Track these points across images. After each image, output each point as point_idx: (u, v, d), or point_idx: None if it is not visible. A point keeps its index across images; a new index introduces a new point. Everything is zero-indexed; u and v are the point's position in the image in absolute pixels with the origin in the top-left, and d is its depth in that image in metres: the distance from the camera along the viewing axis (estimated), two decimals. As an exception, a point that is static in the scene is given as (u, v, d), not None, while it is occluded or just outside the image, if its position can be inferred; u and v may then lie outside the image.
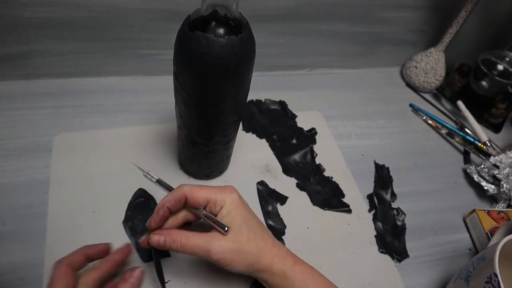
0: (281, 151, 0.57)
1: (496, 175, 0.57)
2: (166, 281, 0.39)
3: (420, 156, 0.62)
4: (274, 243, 0.38)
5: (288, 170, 0.55)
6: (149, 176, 0.47)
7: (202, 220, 0.37)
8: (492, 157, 0.61)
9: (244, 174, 0.53)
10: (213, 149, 0.45)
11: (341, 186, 0.54)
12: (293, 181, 0.54)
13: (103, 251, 0.36)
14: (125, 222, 0.44)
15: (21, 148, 0.49)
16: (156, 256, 0.39)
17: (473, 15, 0.67)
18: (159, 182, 0.46)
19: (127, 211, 0.45)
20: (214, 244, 0.34)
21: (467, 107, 0.69)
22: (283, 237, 0.47)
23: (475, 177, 0.59)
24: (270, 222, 0.48)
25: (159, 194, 0.47)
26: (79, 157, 0.49)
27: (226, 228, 0.35)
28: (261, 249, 0.36)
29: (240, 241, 0.35)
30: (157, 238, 0.35)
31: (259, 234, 0.36)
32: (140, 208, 0.45)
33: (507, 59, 0.70)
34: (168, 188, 0.47)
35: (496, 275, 0.35)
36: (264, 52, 0.64)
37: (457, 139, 0.66)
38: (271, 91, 0.65)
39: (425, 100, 0.73)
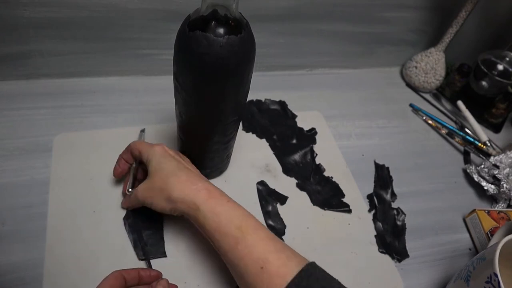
0: (281, 151, 0.57)
1: (496, 175, 0.57)
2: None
3: (420, 156, 0.62)
4: (189, 178, 0.40)
5: (288, 170, 0.55)
6: (139, 134, 0.52)
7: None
8: (492, 157, 0.61)
9: (244, 174, 0.53)
10: (213, 149, 0.45)
11: (341, 186, 0.54)
12: (293, 181, 0.54)
13: (153, 276, 0.39)
14: (126, 218, 0.44)
15: (21, 148, 0.49)
16: (147, 257, 0.42)
17: (473, 15, 0.67)
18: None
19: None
20: (138, 188, 0.42)
21: (467, 107, 0.69)
22: (283, 237, 0.47)
23: (475, 177, 0.59)
24: (270, 222, 0.48)
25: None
26: (79, 157, 0.49)
27: (129, 190, 0.44)
28: (171, 183, 0.39)
29: (153, 181, 0.40)
30: (122, 206, 0.45)
31: (172, 172, 0.40)
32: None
33: (507, 59, 0.70)
34: None
35: (496, 275, 0.35)
36: (264, 52, 0.64)
37: (457, 139, 0.66)
38: (271, 91, 0.65)
39: (425, 100, 0.73)
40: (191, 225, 0.42)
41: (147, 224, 0.44)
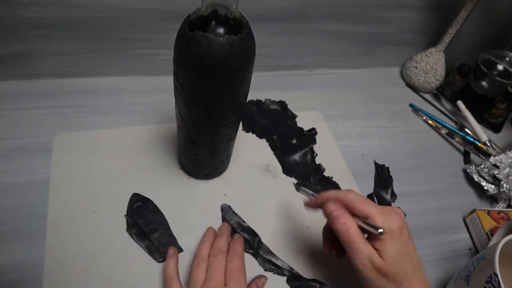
0: (281, 151, 0.57)
1: (496, 175, 0.57)
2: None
3: (420, 156, 0.62)
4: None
5: (288, 170, 0.55)
6: (304, 192, 0.42)
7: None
8: (492, 157, 0.61)
9: (244, 174, 0.53)
10: (213, 149, 0.45)
11: (341, 186, 0.54)
12: (293, 181, 0.54)
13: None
14: (129, 229, 0.44)
15: (21, 148, 0.49)
16: (164, 257, 0.42)
17: (473, 15, 0.67)
18: (313, 196, 0.41)
19: (127, 217, 0.45)
20: (362, 255, 0.34)
21: (467, 107, 0.69)
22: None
23: (475, 177, 0.59)
24: (270, 222, 0.48)
25: (154, 195, 0.47)
26: (79, 157, 0.49)
27: (381, 230, 0.34)
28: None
29: (387, 272, 0.34)
30: (331, 209, 0.36)
31: (409, 273, 0.34)
32: (140, 212, 0.45)
33: (507, 59, 0.70)
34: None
35: (496, 275, 0.35)
36: (264, 52, 0.64)
37: (457, 139, 0.66)
38: (271, 91, 0.65)
39: (425, 100, 0.73)
40: (198, 215, 0.45)
41: (151, 227, 0.44)
